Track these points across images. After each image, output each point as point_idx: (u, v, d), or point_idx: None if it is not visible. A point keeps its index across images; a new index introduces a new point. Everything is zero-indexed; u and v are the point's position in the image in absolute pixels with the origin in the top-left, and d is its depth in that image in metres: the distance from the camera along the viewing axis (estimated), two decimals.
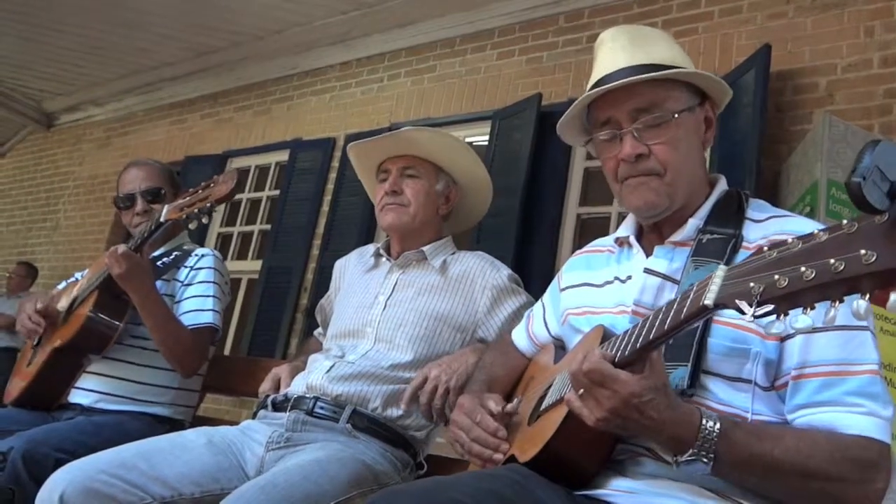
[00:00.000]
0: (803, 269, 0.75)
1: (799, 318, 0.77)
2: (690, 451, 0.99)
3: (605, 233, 1.60)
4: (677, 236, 1.27)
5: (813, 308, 0.76)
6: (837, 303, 0.74)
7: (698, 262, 1.18)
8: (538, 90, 4.33)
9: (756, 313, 0.79)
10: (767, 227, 1.22)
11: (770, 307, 0.78)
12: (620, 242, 1.41)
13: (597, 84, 1.31)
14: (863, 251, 0.70)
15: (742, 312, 0.80)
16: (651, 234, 1.35)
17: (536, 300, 1.76)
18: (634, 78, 1.25)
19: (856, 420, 1.03)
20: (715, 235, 1.22)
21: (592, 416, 1.02)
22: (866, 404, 1.04)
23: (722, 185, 1.34)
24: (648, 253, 1.32)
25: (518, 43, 4.67)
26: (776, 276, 0.77)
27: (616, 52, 1.32)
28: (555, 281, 1.61)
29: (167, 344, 2.07)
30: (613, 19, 4.25)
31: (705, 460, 0.99)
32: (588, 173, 4.24)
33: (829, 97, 3.42)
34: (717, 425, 0.99)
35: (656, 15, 4.05)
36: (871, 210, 0.70)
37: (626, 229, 1.41)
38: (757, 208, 1.27)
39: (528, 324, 1.66)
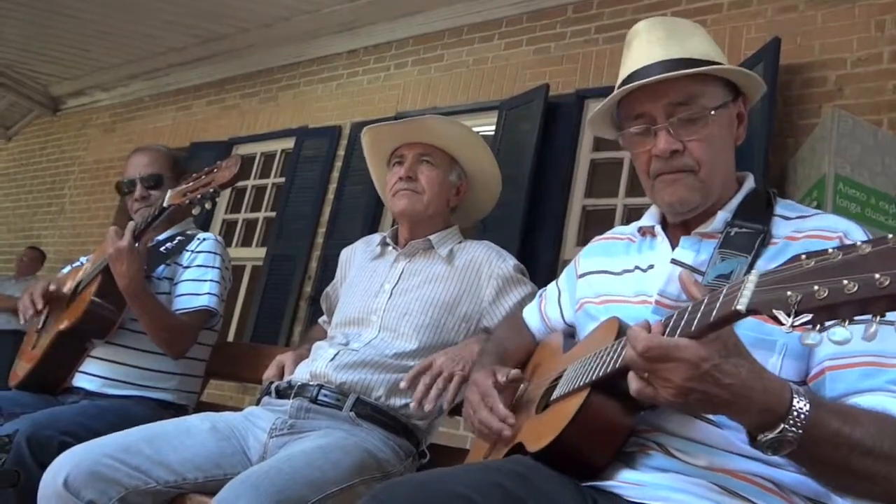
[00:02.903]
0: (846, 281, 0.73)
1: (837, 330, 0.75)
2: (782, 426, 0.91)
3: (610, 225, 1.59)
4: (705, 228, 1.26)
5: (851, 321, 0.74)
6: (878, 317, 0.72)
7: (725, 255, 1.17)
8: (545, 81, 4.30)
9: (795, 323, 0.76)
10: (799, 224, 1.20)
11: (808, 317, 0.76)
12: (644, 232, 1.39)
13: (630, 76, 1.29)
14: None
15: (780, 322, 0.78)
16: (676, 227, 1.34)
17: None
18: (672, 73, 1.23)
19: None
20: (743, 229, 1.20)
21: (666, 394, 0.93)
22: None
23: (750, 183, 1.32)
24: (674, 244, 1.30)
25: (526, 33, 4.65)
26: (816, 287, 0.75)
27: (652, 44, 1.29)
28: (572, 266, 1.59)
29: (152, 330, 2.08)
30: (621, 10, 4.23)
31: (792, 435, 0.90)
32: (594, 165, 4.23)
33: (839, 91, 3.40)
34: (805, 400, 0.92)
35: (666, 6, 4.02)
36: None
37: (650, 219, 1.40)
38: (786, 207, 1.26)
39: (540, 304, 1.65)
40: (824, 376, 1.08)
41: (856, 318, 0.74)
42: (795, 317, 0.76)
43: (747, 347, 1.04)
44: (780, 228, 1.21)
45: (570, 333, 1.50)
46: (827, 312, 0.75)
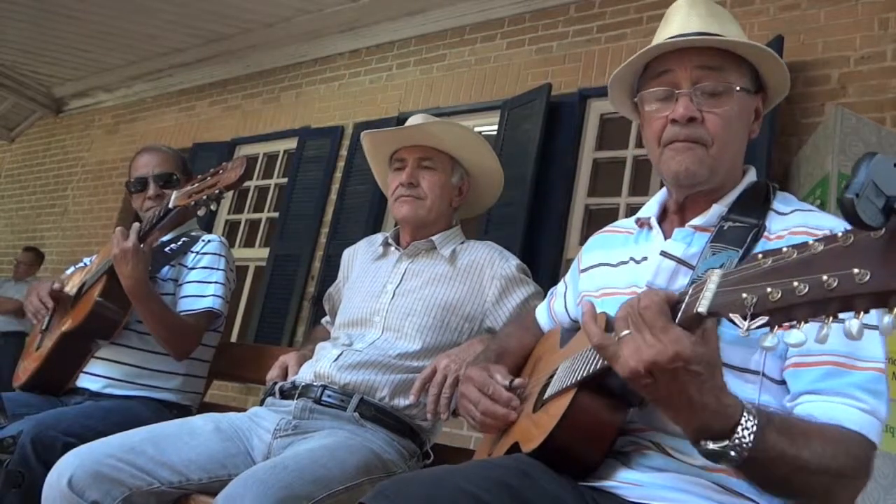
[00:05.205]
0: (796, 282, 0.72)
1: (792, 333, 0.74)
2: (726, 443, 0.91)
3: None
4: (699, 220, 1.25)
5: (806, 322, 0.73)
6: (831, 319, 0.71)
7: (716, 249, 1.16)
8: (548, 80, 4.30)
9: (751, 326, 0.76)
10: (791, 219, 1.20)
11: (764, 319, 0.76)
12: (641, 223, 1.39)
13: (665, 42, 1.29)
14: (856, 270, 0.67)
15: (737, 325, 0.77)
16: (674, 216, 1.34)
17: (544, 290, 1.75)
18: (709, 39, 1.23)
19: (857, 416, 1.02)
20: (737, 223, 1.19)
21: (627, 365, 0.92)
22: (869, 401, 1.03)
23: (751, 176, 1.32)
24: (668, 235, 1.30)
25: (528, 32, 4.65)
26: (769, 289, 0.75)
27: (692, 17, 1.30)
28: (575, 261, 1.59)
29: (157, 331, 2.09)
30: (624, 9, 4.22)
31: (734, 454, 0.91)
32: (597, 164, 4.22)
33: (842, 90, 3.39)
34: (755, 420, 0.92)
35: (668, 5, 4.01)
36: (866, 228, 0.67)
37: (648, 210, 1.39)
38: (783, 201, 1.25)
39: (550, 301, 1.64)
40: (788, 371, 1.09)
41: (809, 319, 0.73)
42: (751, 320, 0.76)
43: (731, 344, 1.05)
44: (774, 223, 1.20)
45: (575, 328, 1.50)
46: (781, 314, 0.74)
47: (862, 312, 0.69)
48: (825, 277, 0.70)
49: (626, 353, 0.93)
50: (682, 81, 1.24)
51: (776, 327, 0.75)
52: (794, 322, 0.74)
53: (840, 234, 0.71)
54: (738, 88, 1.24)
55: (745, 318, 0.76)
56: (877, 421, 1.03)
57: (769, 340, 0.75)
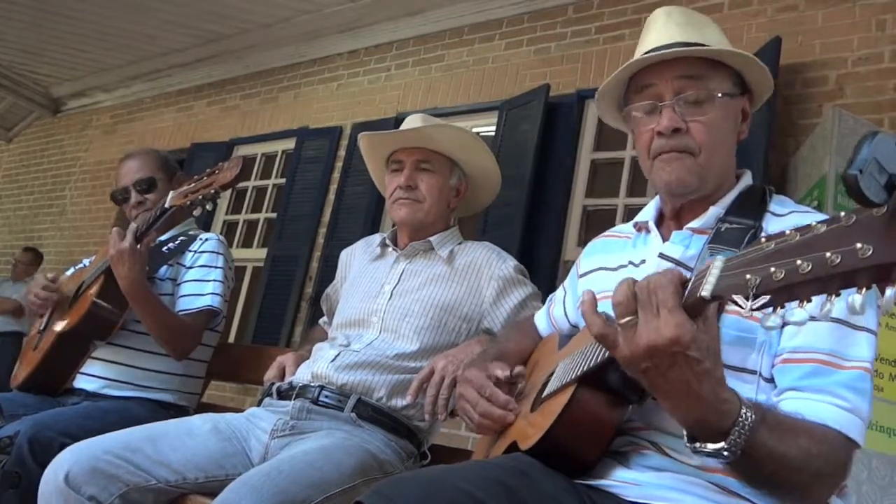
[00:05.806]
0: (799, 261, 0.73)
1: (795, 311, 0.75)
2: (722, 445, 0.92)
3: (611, 225, 1.59)
4: (697, 223, 1.27)
5: (809, 301, 0.74)
6: (834, 297, 0.72)
7: (714, 250, 1.16)
8: (546, 81, 4.30)
9: (753, 306, 0.76)
10: (788, 220, 1.20)
11: (766, 299, 0.76)
12: (639, 227, 1.41)
13: (647, 53, 1.30)
14: (859, 244, 0.68)
15: (739, 306, 0.78)
16: (671, 221, 1.35)
17: (542, 291, 1.75)
18: (688, 49, 1.25)
19: (838, 414, 1.03)
20: (734, 225, 1.21)
21: (626, 349, 0.92)
22: (852, 399, 1.04)
23: (747, 179, 1.33)
24: (666, 238, 1.31)
25: (526, 33, 4.65)
26: (773, 269, 0.75)
27: (670, 27, 1.32)
28: (574, 266, 1.60)
29: (155, 331, 2.09)
30: (622, 10, 4.23)
31: (727, 454, 0.92)
32: (595, 165, 4.22)
33: (839, 91, 3.39)
34: (752, 417, 0.92)
35: (666, 5, 4.00)
36: (869, 204, 0.68)
37: (645, 214, 1.41)
38: (779, 203, 1.26)
39: (549, 307, 1.65)
40: (777, 367, 1.10)
41: (812, 297, 0.74)
42: (754, 300, 0.76)
43: (729, 345, 1.06)
44: (771, 225, 1.21)
45: (574, 333, 1.50)
46: (785, 294, 0.75)
47: (864, 288, 0.69)
48: (828, 254, 0.70)
49: (628, 336, 0.92)
50: (665, 93, 1.26)
51: (778, 307, 0.76)
52: (797, 301, 0.75)
53: (843, 215, 0.72)
54: (719, 95, 1.26)
55: (747, 299, 0.77)
56: (858, 419, 1.04)
57: (772, 320, 0.76)
